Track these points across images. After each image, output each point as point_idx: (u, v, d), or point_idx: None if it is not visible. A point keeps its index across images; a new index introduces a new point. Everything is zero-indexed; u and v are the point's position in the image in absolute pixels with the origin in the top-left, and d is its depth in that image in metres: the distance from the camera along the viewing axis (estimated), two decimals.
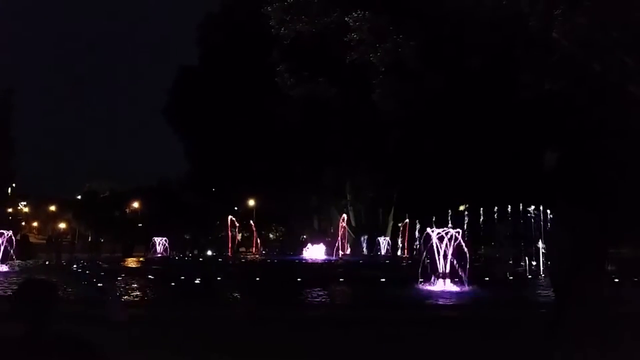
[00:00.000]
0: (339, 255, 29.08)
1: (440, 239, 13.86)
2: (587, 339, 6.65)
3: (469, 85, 26.29)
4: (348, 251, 32.68)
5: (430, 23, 22.49)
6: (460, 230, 14.27)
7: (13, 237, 19.82)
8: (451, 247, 13.69)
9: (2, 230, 19.68)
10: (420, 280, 13.74)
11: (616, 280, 15.49)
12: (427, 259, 13.98)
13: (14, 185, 76.62)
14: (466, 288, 13.27)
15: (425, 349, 7.08)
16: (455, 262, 13.60)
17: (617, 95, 20.35)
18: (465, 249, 13.72)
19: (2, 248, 18.98)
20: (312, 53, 29.03)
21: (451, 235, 13.90)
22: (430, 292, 12.96)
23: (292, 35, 26.06)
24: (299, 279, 15.41)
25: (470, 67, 24.11)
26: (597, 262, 7.51)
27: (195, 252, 36.63)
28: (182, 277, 14.95)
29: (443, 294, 12.72)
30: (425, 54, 24.08)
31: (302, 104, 31.28)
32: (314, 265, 23.78)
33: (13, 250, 19.54)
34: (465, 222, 23.02)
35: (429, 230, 14.39)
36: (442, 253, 13.73)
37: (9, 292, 10.93)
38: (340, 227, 31.25)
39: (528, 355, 6.60)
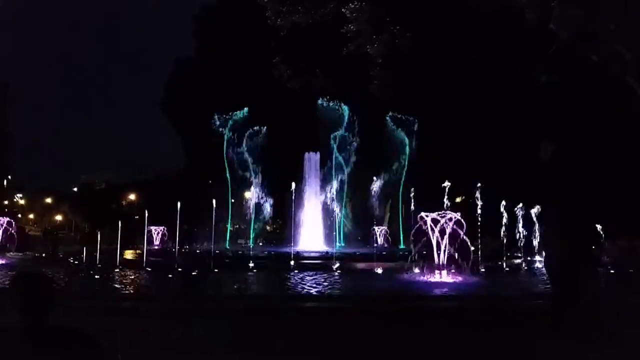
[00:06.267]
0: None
1: (435, 223, 12.97)
2: (583, 330, 6.68)
3: (466, 77, 26.21)
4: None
5: (427, 14, 22.39)
6: (460, 214, 13.26)
7: (10, 228, 18.82)
8: (448, 232, 12.85)
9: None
10: (414, 270, 13.18)
11: (612, 271, 15.60)
12: (423, 248, 13.23)
13: (9, 177, 76.34)
14: (469, 279, 12.69)
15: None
16: (454, 250, 12.78)
17: (614, 87, 20.33)
18: (466, 238, 13.01)
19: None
20: (308, 44, 28.83)
21: (449, 219, 12.95)
22: (429, 284, 12.47)
23: (288, 26, 25.88)
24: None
25: (467, 59, 24.01)
26: (592, 255, 7.53)
27: (195, 244, 36.52)
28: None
29: (441, 285, 12.29)
30: (422, 46, 23.97)
31: (298, 95, 31.13)
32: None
33: (12, 242, 18.84)
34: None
35: (423, 214, 13.44)
36: (438, 240, 12.78)
37: (5, 285, 10.92)
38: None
39: (530, 347, 6.63)
